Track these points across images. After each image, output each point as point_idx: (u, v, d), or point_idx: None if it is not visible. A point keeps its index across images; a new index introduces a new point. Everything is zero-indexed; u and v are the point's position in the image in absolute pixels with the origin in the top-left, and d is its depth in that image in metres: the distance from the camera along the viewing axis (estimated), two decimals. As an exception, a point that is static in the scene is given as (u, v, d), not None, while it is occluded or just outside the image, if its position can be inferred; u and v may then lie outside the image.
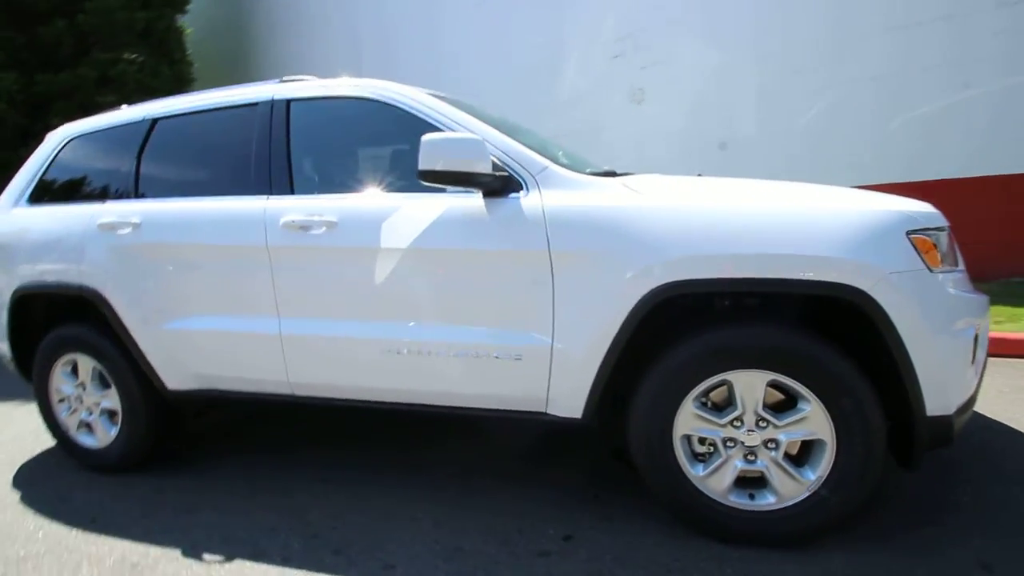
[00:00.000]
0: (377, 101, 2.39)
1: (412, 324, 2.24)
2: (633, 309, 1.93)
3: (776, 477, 1.93)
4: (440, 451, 2.97)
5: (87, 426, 2.94)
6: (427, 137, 2.03)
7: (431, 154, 2.00)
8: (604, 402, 2.07)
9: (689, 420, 1.98)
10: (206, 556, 2.16)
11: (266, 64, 10.93)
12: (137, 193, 2.76)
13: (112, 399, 2.83)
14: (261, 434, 3.39)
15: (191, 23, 9.78)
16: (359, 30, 8.95)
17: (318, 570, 2.03)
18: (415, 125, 2.27)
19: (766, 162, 5.84)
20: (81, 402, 2.93)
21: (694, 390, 1.95)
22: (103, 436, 2.89)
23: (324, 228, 2.31)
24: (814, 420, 1.87)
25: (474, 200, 2.14)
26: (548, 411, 2.16)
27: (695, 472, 2.00)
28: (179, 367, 2.66)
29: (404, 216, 2.21)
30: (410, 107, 2.34)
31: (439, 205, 2.18)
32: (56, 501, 2.67)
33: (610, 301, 1.96)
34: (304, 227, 2.34)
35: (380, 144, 2.59)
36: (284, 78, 2.66)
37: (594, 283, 1.99)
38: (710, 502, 1.99)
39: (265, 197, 2.45)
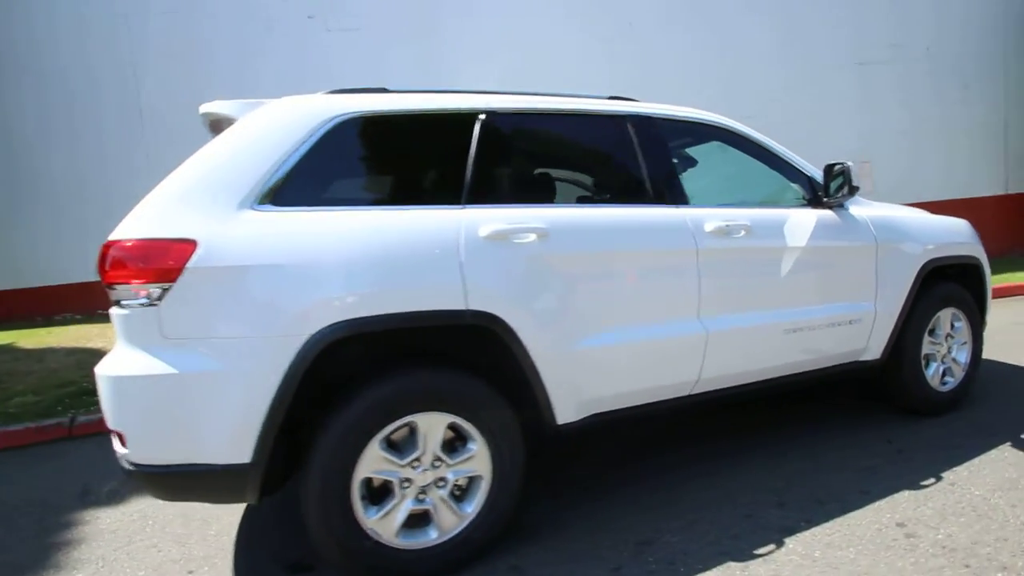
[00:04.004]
0: (726, 129, 2.85)
1: (803, 306, 2.80)
2: (916, 277, 3.09)
3: (956, 370, 3.37)
4: (685, 445, 3.29)
5: (425, 518, 2.09)
6: (862, 164, 2.74)
7: (860, 175, 2.75)
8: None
9: (928, 343, 3.24)
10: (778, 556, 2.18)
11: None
12: (499, 197, 2.27)
13: (475, 462, 2.14)
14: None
15: None
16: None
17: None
18: (757, 153, 2.89)
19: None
20: (409, 484, 2.06)
21: (931, 320, 3.21)
22: (449, 521, 2.11)
23: (743, 232, 2.62)
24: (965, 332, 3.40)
25: (826, 211, 2.92)
26: (861, 359, 3.05)
27: (930, 379, 3.25)
28: (577, 394, 2.31)
29: (794, 222, 2.80)
30: (754, 137, 2.91)
31: (812, 215, 2.87)
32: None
33: (905, 274, 3.08)
34: (727, 232, 2.58)
35: (721, 165, 2.97)
36: (612, 95, 2.71)
37: (895, 263, 3.06)
38: (936, 396, 3.26)
39: (672, 207, 2.55)
